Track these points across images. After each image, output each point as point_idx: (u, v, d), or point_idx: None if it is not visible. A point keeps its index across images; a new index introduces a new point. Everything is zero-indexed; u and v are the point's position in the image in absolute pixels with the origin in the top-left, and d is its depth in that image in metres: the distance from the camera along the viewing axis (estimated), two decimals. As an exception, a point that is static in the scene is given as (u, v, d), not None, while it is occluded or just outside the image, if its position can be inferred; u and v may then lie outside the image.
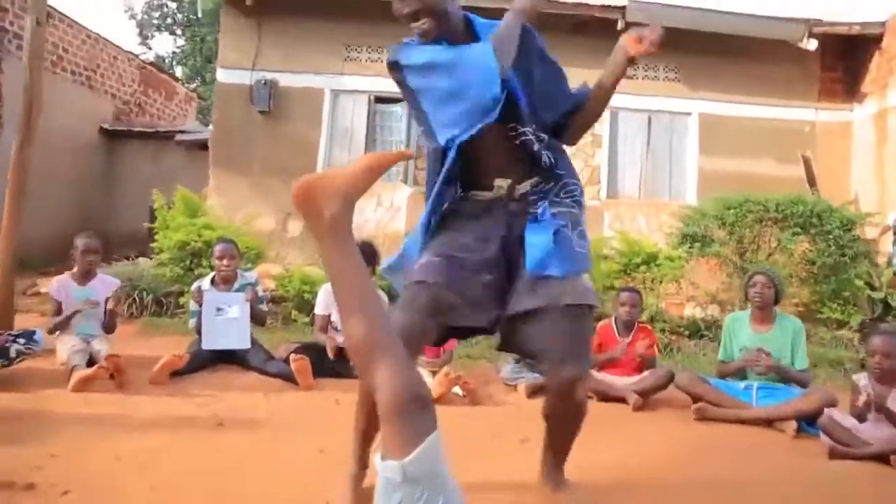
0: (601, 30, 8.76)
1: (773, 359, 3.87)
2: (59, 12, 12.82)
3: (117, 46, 14.72)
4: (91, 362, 3.71)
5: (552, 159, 2.16)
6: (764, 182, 8.44)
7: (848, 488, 2.77)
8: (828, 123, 9.23)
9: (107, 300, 4.25)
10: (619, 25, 8.50)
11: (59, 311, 4.03)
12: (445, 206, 2.21)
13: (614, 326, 4.47)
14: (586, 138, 8.98)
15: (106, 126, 14.07)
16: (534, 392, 4.13)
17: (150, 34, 27.50)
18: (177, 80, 19.43)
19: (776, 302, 4.07)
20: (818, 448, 3.30)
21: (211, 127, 9.76)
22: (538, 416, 3.61)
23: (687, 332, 6.35)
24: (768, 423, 3.71)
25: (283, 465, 2.55)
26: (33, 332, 3.56)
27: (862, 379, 3.46)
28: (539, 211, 2.13)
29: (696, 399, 3.90)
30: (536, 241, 2.08)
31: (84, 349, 3.78)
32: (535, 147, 2.12)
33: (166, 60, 26.99)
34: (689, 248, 6.52)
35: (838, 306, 6.32)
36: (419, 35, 2.03)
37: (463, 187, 2.23)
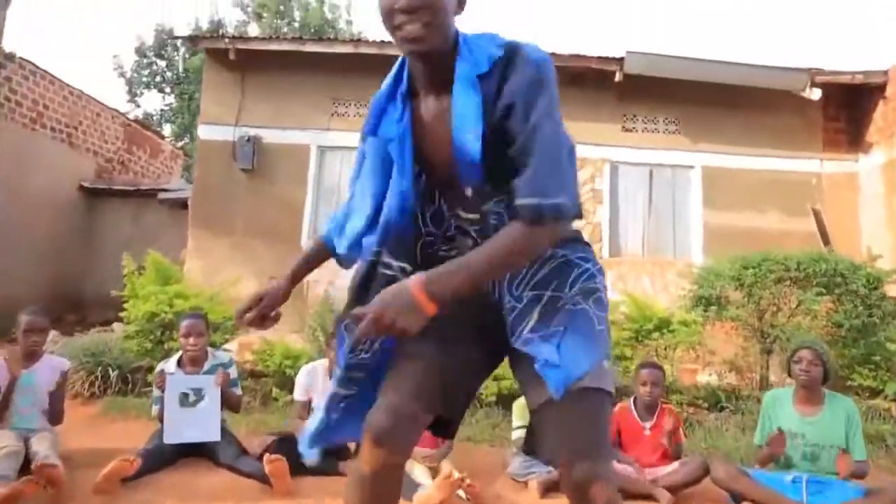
0: (598, 81, 8.50)
1: (818, 447, 3.36)
2: (41, 69, 12.53)
3: (101, 103, 14.43)
4: (27, 465, 3.13)
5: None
6: (771, 237, 8.06)
7: None
8: (834, 174, 8.92)
9: (57, 385, 3.68)
10: (617, 77, 8.22)
11: (-6, 398, 3.46)
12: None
13: (633, 409, 3.93)
14: (586, 194, 8.61)
15: (86, 184, 13.65)
16: (548, 489, 3.55)
17: (138, 91, 27.41)
18: (162, 137, 19.15)
19: (825, 381, 3.56)
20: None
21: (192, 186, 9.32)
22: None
23: (706, 405, 5.80)
24: (826, 527, 3.17)
25: None
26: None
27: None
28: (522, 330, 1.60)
29: (737, 497, 3.35)
30: (546, 354, 1.55)
31: (17, 451, 3.19)
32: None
33: (154, 118, 26.85)
34: (705, 311, 6.03)
35: (869, 372, 5.81)
36: (405, 41, 1.50)
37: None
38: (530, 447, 1.64)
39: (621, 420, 3.89)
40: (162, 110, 27.70)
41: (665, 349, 5.92)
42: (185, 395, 3.71)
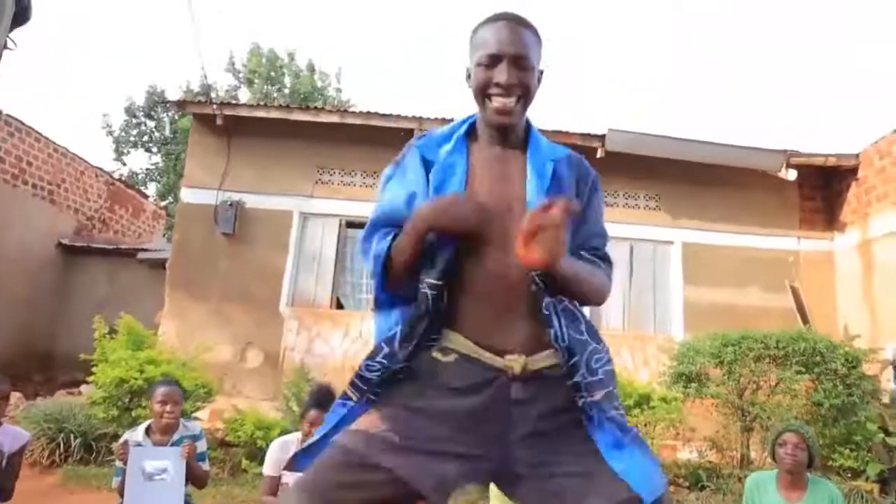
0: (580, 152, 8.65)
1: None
2: (27, 126, 12.61)
3: (85, 161, 14.49)
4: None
5: (564, 324, 1.58)
6: (751, 313, 8.11)
7: None
8: (810, 253, 9.08)
9: (11, 456, 3.52)
10: (599, 154, 8.40)
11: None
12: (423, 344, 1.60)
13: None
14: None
15: (65, 241, 13.54)
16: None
17: (125, 150, 27.61)
18: (145, 196, 19.16)
19: (810, 465, 3.50)
20: None
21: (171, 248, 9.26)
22: None
23: (686, 483, 5.70)
24: None
25: None
26: None
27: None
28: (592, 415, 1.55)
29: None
30: (630, 467, 1.48)
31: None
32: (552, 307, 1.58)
33: (139, 177, 26.97)
34: (685, 387, 5.99)
35: (850, 452, 5.76)
36: (497, 112, 1.64)
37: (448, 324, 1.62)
38: None
39: None
40: (148, 169, 27.86)
41: (645, 425, 5.84)
42: (149, 467, 3.56)
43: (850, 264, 8.83)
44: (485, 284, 1.59)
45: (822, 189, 9.30)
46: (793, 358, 5.84)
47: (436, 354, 1.58)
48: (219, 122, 8.58)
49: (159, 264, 12.66)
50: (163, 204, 22.73)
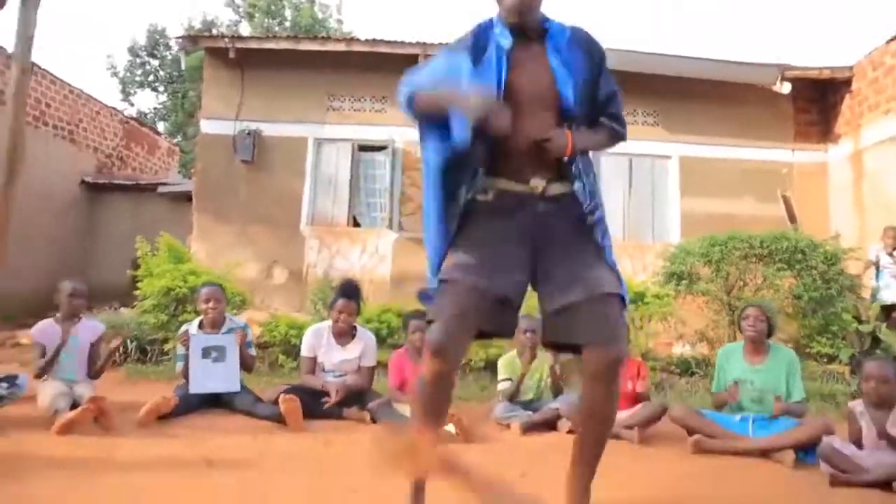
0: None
1: (763, 391, 3.86)
2: (42, 68, 12.91)
3: (100, 101, 14.82)
4: (75, 406, 3.59)
5: (581, 165, 2.24)
6: (745, 222, 8.56)
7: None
8: (804, 164, 9.45)
9: (93, 344, 4.16)
10: (598, 72, 8.69)
11: (43, 354, 3.93)
12: (466, 197, 2.21)
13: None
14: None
15: (88, 179, 14.03)
16: (527, 429, 4.06)
17: (132, 91, 27.75)
18: (159, 134, 19.50)
19: (769, 335, 4.06)
20: (818, 477, 3.24)
21: (193, 178, 9.77)
22: (533, 452, 3.54)
23: (678, 371, 6.32)
24: (765, 453, 3.65)
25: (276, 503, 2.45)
26: (16, 377, 3.45)
27: (858, 406, 3.44)
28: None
29: (690, 432, 3.84)
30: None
31: (67, 393, 3.67)
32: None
33: (148, 116, 27.20)
34: (677, 285, 6.55)
35: (827, 340, 6.34)
36: (512, 8, 2.16)
37: (486, 173, 2.24)
38: (549, 338, 2.11)
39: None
40: (155, 108, 28.04)
41: (640, 319, 6.41)
42: (208, 351, 4.18)
43: (842, 175, 9.23)
44: (515, 143, 2.18)
45: (817, 101, 9.59)
46: (776, 256, 6.35)
47: (480, 197, 2.21)
48: (231, 55, 8.94)
49: (179, 197, 13.22)
50: (173, 142, 23.06)
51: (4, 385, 3.35)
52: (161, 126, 26.48)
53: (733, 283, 6.55)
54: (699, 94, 9.14)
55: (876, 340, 6.01)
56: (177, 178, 17.04)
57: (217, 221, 8.87)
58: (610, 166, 9.20)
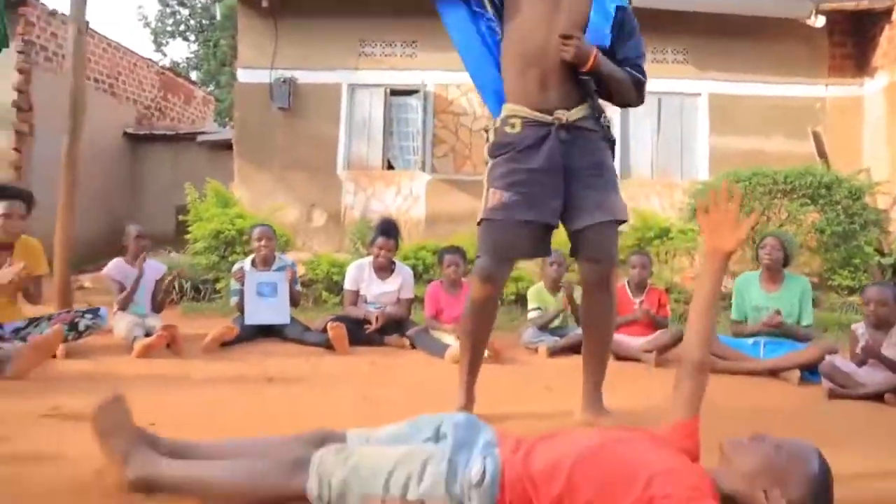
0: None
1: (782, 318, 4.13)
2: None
3: (137, 54, 15.14)
4: (148, 335, 4.02)
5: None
6: (775, 159, 8.60)
7: (843, 421, 3.01)
8: (838, 99, 9.38)
9: (157, 282, 4.59)
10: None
11: (120, 290, 4.39)
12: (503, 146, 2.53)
13: (627, 288, 4.74)
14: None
15: (129, 131, 14.50)
16: (553, 353, 4.42)
17: (164, 41, 28.00)
18: (194, 83, 19.83)
19: (786, 264, 4.29)
20: (819, 393, 3.53)
21: (230, 127, 10.11)
22: (558, 371, 3.89)
23: (702, 303, 6.59)
24: (774, 373, 3.95)
25: (331, 411, 2.82)
26: (98, 309, 3.88)
27: (859, 328, 3.70)
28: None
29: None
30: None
31: (141, 323, 4.13)
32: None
33: (181, 66, 27.48)
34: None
35: (849, 273, 6.52)
36: None
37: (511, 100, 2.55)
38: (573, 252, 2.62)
39: (619, 296, 4.69)
40: (188, 58, 28.31)
41: (665, 254, 6.66)
42: (261, 287, 4.58)
43: (877, 109, 9.15)
44: (532, 61, 2.47)
45: (853, 35, 9.42)
46: (800, 191, 6.49)
47: (507, 129, 2.50)
48: (264, 4, 9.12)
49: (217, 146, 13.62)
50: (207, 90, 23.37)
51: (89, 316, 3.78)
52: (194, 75, 26.79)
53: (758, 218, 6.72)
54: (730, 30, 9.08)
55: (897, 272, 6.18)
56: (213, 127, 17.43)
57: (257, 168, 9.25)
58: (640, 106, 9.25)
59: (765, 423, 2.93)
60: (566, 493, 1.42)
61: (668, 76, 9.23)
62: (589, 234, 2.47)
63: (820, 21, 8.77)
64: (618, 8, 2.53)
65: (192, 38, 28.09)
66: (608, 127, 2.60)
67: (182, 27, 27.97)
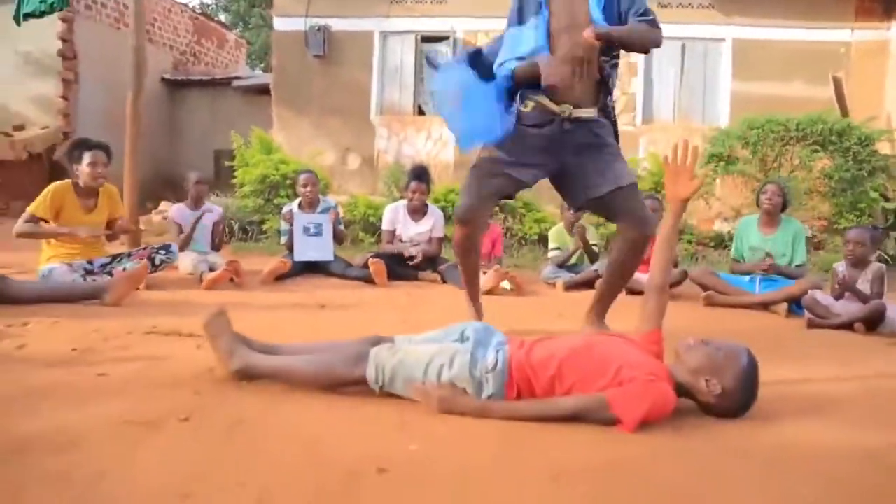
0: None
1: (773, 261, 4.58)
2: (118, -31, 13.59)
3: (170, -1, 15.50)
4: (212, 270, 4.61)
5: (611, 84, 2.96)
6: (796, 104, 8.77)
7: (817, 346, 3.48)
8: (864, 43, 9.45)
9: (215, 224, 5.18)
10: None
11: (181, 232, 4.99)
12: (512, 119, 2.93)
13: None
14: (622, 67, 9.46)
15: (167, 76, 14.97)
16: (569, 287, 4.93)
17: (193, -19, 28.01)
18: (227, 27, 20.12)
19: (783, 209, 4.71)
20: (801, 323, 4.01)
21: (260, 71, 10.51)
22: (573, 303, 4.41)
23: (712, 244, 7.01)
24: (765, 306, 4.43)
25: (378, 328, 3.38)
26: (169, 246, 4.47)
27: (840, 266, 4.15)
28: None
29: (706, 289, 4.64)
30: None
31: (204, 260, 4.72)
32: (606, 72, 2.91)
33: (210, 7, 27.62)
34: (716, 166, 7.10)
35: (854, 217, 6.85)
36: None
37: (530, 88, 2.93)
38: (595, 210, 3.17)
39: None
40: (217, -1, 28.42)
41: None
42: (307, 227, 5.14)
43: (903, 52, 9.23)
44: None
45: (882, -24, 9.45)
46: (811, 138, 6.79)
47: (522, 108, 2.96)
48: (299, -48, 9.44)
49: (252, 90, 14.04)
50: (237, 32, 23.57)
51: (163, 252, 4.37)
52: (223, 17, 26.98)
53: (770, 163, 7.06)
54: (757, -25, 9.17)
55: (900, 216, 6.52)
56: (246, 71, 17.80)
57: (295, 114, 9.74)
58: (662, 52, 9.45)
59: (757, 348, 3.44)
60: (556, 378, 1.95)
61: (693, 21, 9.40)
62: (617, 200, 2.91)
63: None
64: None
65: (221, -23, 28.17)
66: (615, 120, 3.04)
67: (210, -33, 27.99)
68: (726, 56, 9.46)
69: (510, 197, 3.17)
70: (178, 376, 2.26)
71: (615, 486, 1.51)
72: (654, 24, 2.86)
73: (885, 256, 6.22)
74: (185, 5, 16.73)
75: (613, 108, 3.05)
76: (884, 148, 7.27)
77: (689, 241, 6.77)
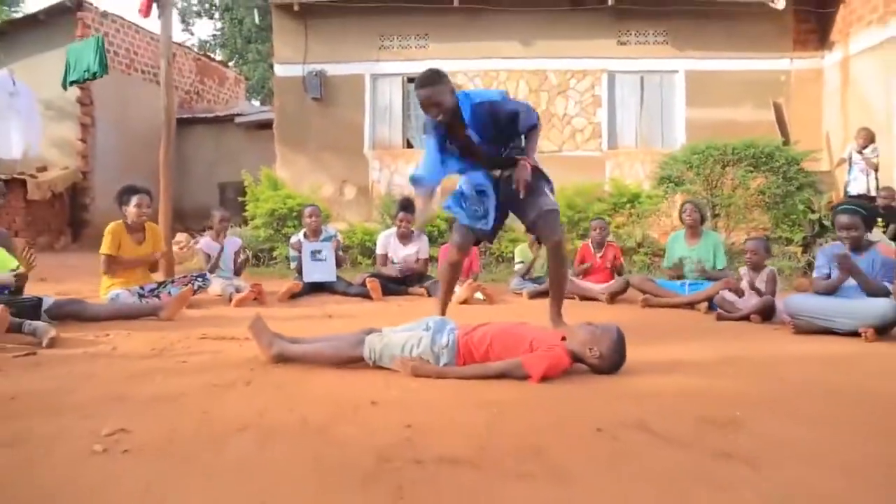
0: (597, 3, 10.29)
1: (701, 264, 5.61)
2: (128, 20, 14.77)
3: (176, 43, 16.63)
4: (237, 292, 5.62)
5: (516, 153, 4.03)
6: (743, 128, 9.91)
7: (721, 332, 4.48)
8: (801, 71, 10.60)
9: (235, 253, 6.20)
10: (610, 1, 9.99)
11: (208, 260, 6.02)
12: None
13: (590, 246, 6.24)
14: (588, 100, 10.61)
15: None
16: (533, 296, 5.95)
17: (191, 21, 29.33)
18: (226, 66, 21.30)
19: (702, 222, 5.75)
20: (713, 317, 5.02)
21: (256, 104, 11.52)
22: (534, 309, 5.43)
23: (663, 254, 8.04)
24: (691, 305, 5.45)
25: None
26: (204, 275, 5.49)
27: (743, 269, 5.18)
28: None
29: (644, 293, 5.66)
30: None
31: (231, 284, 5.73)
32: (506, 153, 4.01)
33: (208, 44, 28.82)
34: (666, 188, 8.16)
35: (787, 227, 7.91)
36: (434, 117, 3.79)
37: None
38: (532, 234, 4.44)
39: (583, 251, 6.22)
40: (214, 35, 29.62)
41: (637, 216, 8.11)
42: (314, 253, 6.16)
43: (833, 80, 10.36)
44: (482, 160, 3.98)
45: (816, 10, 10.60)
46: (745, 161, 7.86)
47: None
48: (295, 8, 10.56)
49: (253, 125, 15.15)
50: (236, 69, 24.71)
51: (200, 279, 5.38)
52: (220, 53, 28.18)
53: (713, 183, 8.11)
54: (706, 13, 10.33)
55: (823, 227, 7.57)
56: (246, 106, 18.92)
57: (295, 151, 10.82)
58: (625, 85, 10.60)
59: (667, 334, 4.45)
60: (489, 350, 2.96)
61: (649, 56, 10.53)
62: (538, 222, 3.98)
63: (781, 3, 9.96)
64: (472, 107, 3.75)
65: (217, 15, 29.39)
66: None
67: (207, 5, 29.24)
68: (680, 86, 10.58)
69: (489, 240, 4.40)
70: (236, 361, 3.27)
71: (517, 408, 2.52)
72: (530, 118, 3.86)
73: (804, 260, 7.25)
74: (189, 48, 17.93)
75: (521, 144, 4.04)
76: (820, 165, 8.34)
77: (646, 254, 7.80)
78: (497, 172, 4.07)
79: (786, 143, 8.75)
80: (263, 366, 3.18)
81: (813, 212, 7.69)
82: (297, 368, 3.11)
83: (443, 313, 4.21)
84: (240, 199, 8.54)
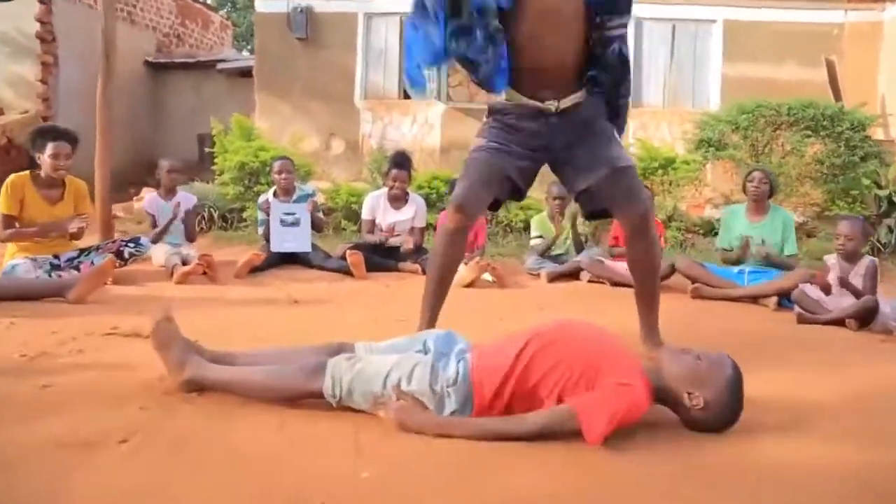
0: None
1: (766, 247, 4.45)
2: (98, -53, 13.26)
3: (153, -21, 15.16)
4: (185, 263, 4.46)
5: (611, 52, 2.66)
6: (788, 87, 8.65)
7: (804, 346, 3.34)
8: (857, 24, 9.28)
9: (186, 213, 5.01)
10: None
11: (154, 223, 4.84)
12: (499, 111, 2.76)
13: (626, 222, 5.07)
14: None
15: (150, 59, 14.67)
16: (553, 279, 4.80)
17: (178, -39, 27.47)
18: (211, 8, 19.74)
19: (770, 195, 4.58)
20: (792, 318, 3.87)
21: (247, 53, 10.27)
22: (554, 295, 4.28)
23: (702, 231, 6.90)
24: (754, 299, 4.31)
25: (346, 328, 3.22)
26: (139, 238, 4.32)
27: (831, 259, 4.03)
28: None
29: (693, 281, 4.52)
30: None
31: (178, 253, 4.56)
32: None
33: (196, -12, 27.07)
34: (706, 152, 6.97)
35: (846, 204, 6.74)
36: None
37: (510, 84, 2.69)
38: (586, 210, 2.89)
39: (617, 229, 5.03)
40: (202, -22, 27.87)
41: (670, 185, 6.93)
42: (284, 217, 4.98)
43: (894, 36, 9.08)
44: (537, 60, 2.60)
45: (877, -45, 9.28)
46: (802, 123, 6.66)
47: (505, 101, 2.74)
48: (280, -70, 9.18)
49: (236, 73, 13.78)
50: (223, 13, 23.16)
51: (132, 245, 4.22)
52: (209, -2, 26.49)
53: (760, 149, 6.92)
54: (750, -46, 8.98)
55: (892, 204, 6.41)
56: (232, 54, 17.49)
57: (278, 98, 9.53)
58: (652, 34, 9.30)
59: (733, 344, 3.32)
60: (534, 382, 1.82)
61: (683, 2, 9.21)
62: (605, 186, 2.65)
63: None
64: None
65: (207, -43, 27.60)
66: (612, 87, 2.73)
67: (196, -54, 27.41)
68: (717, 37, 9.28)
69: (512, 193, 2.86)
70: (127, 388, 2.13)
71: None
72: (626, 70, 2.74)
73: (878, 245, 6.11)
74: (168, -15, 16.41)
75: (601, 84, 2.70)
76: (876, 133, 7.15)
77: (678, 229, 6.64)
78: (552, 103, 2.66)
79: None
80: (166, 399, 2.04)
81: (880, 187, 6.52)
82: (216, 406, 1.98)
83: (432, 320, 2.78)
84: (204, 146, 7.30)
